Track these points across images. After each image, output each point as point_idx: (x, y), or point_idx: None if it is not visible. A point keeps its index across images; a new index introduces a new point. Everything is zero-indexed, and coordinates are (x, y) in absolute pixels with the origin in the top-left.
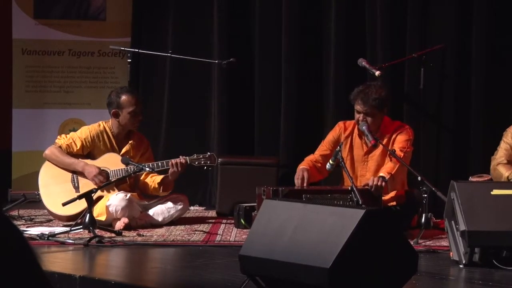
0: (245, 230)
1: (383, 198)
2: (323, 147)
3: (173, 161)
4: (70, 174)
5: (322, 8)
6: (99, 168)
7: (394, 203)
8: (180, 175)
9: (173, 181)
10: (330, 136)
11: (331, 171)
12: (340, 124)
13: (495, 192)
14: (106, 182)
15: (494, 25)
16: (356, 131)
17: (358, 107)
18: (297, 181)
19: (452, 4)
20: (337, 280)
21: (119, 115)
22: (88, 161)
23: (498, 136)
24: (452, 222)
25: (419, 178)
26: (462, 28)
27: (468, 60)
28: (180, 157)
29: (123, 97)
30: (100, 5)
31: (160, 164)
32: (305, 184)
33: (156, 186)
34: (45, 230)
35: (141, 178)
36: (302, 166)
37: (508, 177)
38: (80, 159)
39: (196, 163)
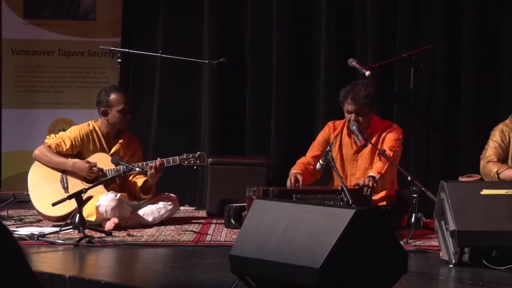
0: (235, 230)
1: (373, 198)
2: (314, 149)
3: (150, 163)
4: (59, 175)
5: (313, 9)
6: (89, 162)
7: (384, 203)
8: (170, 176)
9: (154, 184)
10: (320, 137)
11: (323, 172)
12: (330, 124)
13: (485, 192)
14: (100, 174)
15: (483, 25)
16: (345, 130)
17: (349, 107)
18: (289, 183)
19: (441, 4)
20: (327, 280)
21: (108, 114)
22: (78, 160)
23: (487, 135)
24: (442, 222)
25: (409, 178)
26: (452, 28)
27: (457, 60)
28: (158, 159)
29: (113, 96)
30: (90, 5)
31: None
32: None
33: (138, 189)
34: (35, 230)
35: (129, 178)
36: (294, 170)
37: (497, 171)
38: (69, 158)
39: (186, 162)
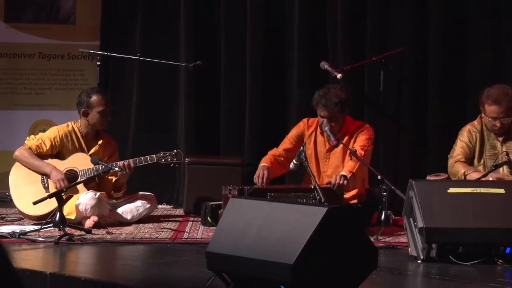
0: (211, 228)
1: (344, 196)
2: (286, 143)
3: (120, 163)
4: (40, 175)
5: (286, 13)
6: (63, 173)
7: (355, 201)
8: (148, 175)
9: (124, 183)
10: (294, 131)
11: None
12: (304, 120)
13: (452, 190)
14: (68, 186)
15: (449, 29)
16: (319, 129)
17: (321, 112)
18: (256, 179)
19: (410, 9)
20: (300, 275)
21: (88, 114)
22: (57, 161)
23: (454, 136)
24: (411, 219)
25: (379, 177)
26: (420, 32)
27: (425, 64)
28: (129, 160)
29: (94, 97)
30: (70, 9)
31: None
32: (264, 183)
33: (111, 187)
34: (16, 228)
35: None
36: (263, 163)
37: (464, 173)
38: (48, 163)
39: (163, 160)
